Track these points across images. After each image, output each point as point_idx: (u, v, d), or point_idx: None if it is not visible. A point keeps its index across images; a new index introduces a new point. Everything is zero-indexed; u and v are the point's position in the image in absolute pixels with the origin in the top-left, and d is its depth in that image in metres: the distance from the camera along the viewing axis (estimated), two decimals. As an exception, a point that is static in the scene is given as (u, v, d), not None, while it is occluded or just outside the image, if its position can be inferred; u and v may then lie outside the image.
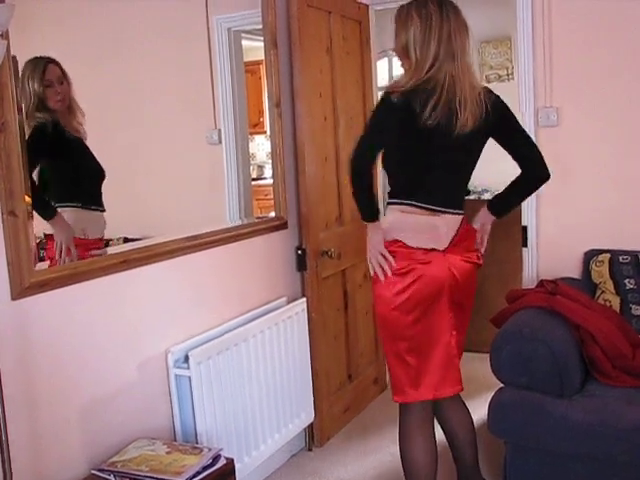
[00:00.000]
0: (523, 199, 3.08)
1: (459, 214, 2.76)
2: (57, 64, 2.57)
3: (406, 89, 2.53)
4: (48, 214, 2.55)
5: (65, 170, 2.69)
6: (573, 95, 3.83)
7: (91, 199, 2.74)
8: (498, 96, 2.72)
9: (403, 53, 2.63)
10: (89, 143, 2.70)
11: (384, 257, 2.68)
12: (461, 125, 2.55)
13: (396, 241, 2.69)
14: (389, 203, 2.76)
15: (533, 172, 2.77)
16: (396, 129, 2.61)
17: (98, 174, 2.71)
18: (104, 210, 2.76)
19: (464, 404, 3.00)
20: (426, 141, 2.59)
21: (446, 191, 2.72)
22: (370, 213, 2.79)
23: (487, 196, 5.79)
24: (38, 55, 2.50)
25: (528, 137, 2.84)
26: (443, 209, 2.69)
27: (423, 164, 2.66)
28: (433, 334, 2.72)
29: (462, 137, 2.59)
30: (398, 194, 2.73)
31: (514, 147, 2.75)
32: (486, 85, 2.74)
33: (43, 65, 2.53)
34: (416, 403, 2.80)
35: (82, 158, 2.71)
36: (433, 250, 2.67)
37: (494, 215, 2.86)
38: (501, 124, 2.70)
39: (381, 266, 2.68)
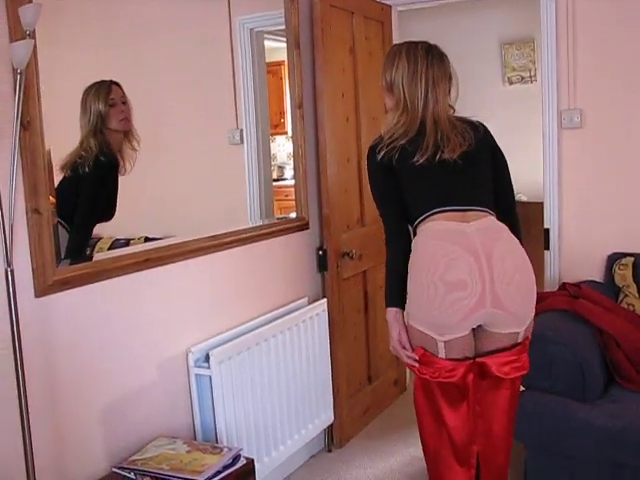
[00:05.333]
0: None
1: (488, 213, 2.56)
2: (119, 86, 2.65)
3: (394, 138, 2.57)
4: None
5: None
6: (597, 97, 3.80)
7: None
8: (489, 130, 2.72)
9: (388, 89, 2.68)
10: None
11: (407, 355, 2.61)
12: (449, 151, 2.54)
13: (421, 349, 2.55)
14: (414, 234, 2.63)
15: (510, 226, 2.64)
16: (390, 176, 2.60)
17: (109, 212, 2.69)
18: None
19: None
20: (422, 168, 2.55)
21: (464, 190, 2.58)
22: (395, 296, 2.60)
23: (524, 199, 5.77)
24: (100, 79, 2.61)
25: (512, 188, 2.76)
26: (467, 207, 2.53)
27: (428, 181, 2.57)
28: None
29: (457, 160, 2.55)
30: (416, 215, 2.59)
31: (497, 192, 2.67)
32: (478, 120, 2.72)
33: (107, 86, 2.62)
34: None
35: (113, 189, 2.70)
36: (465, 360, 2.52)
37: None
38: (493, 157, 2.68)
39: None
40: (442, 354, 2.50)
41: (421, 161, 2.53)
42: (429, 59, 2.62)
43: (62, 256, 2.42)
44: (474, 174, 2.61)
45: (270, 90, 3.68)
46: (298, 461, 3.65)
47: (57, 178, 2.44)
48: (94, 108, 2.58)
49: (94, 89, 2.58)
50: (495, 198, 2.66)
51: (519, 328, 2.51)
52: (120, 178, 2.74)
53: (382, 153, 2.58)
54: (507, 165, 2.74)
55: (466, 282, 2.39)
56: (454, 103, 2.69)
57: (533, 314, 2.56)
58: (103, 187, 2.68)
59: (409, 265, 2.54)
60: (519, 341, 2.54)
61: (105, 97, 2.61)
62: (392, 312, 2.62)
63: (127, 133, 2.73)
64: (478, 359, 2.52)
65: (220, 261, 3.10)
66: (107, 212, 2.67)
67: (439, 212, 2.52)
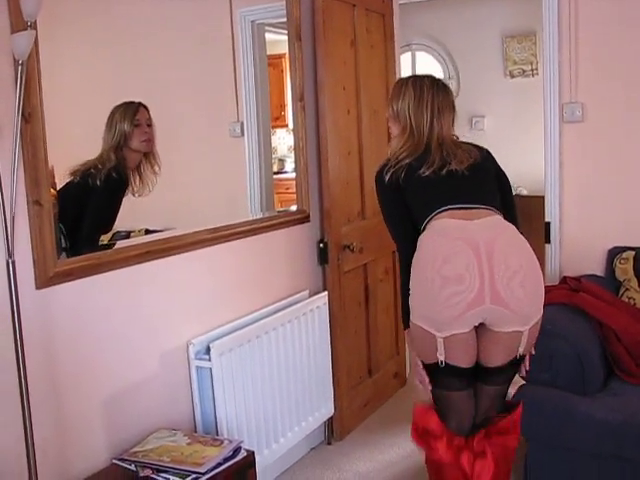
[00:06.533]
0: None
1: (493, 211, 2.56)
2: (146, 108, 2.74)
3: (400, 158, 2.64)
4: None
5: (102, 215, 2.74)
6: (599, 91, 3.79)
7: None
8: (492, 156, 2.78)
9: (395, 118, 2.75)
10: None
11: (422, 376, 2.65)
12: (456, 164, 2.60)
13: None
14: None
15: None
16: (398, 195, 2.65)
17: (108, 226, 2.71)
18: None
19: None
20: (428, 179, 2.59)
21: (470, 192, 2.60)
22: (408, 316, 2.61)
23: (525, 193, 5.80)
24: (129, 100, 2.71)
25: (515, 209, 2.81)
26: (473, 205, 2.54)
27: (435, 189, 2.60)
28: None
29: (464, 172, 2.60)
30: (422, 218, 2.60)
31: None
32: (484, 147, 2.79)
33: (135, 107, 2.71)
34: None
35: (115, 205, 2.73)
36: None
37: None
38: (497, 178, 2.74)
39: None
40: (442, 356, 2.49)
41: (427, 173, 2.59)
42: (435, 89, 2.71)
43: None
44: (481, 180, 2.66)
45: (271, 83, 3.67)
46: (298, 453, 3.65)
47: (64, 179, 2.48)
48: (119, 126, 2.66)
49: (122, 108, 2.67)
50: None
51: (522, 327, 2.48)
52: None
53: (389, 174, 2.64)
54: (511, 189, 2.82)
55: (463, 276, 2.37)
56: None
57: (540, 315, 2.54)
58: (112, 202, 2.71)
59: (413, 261, 2.55)
60: (521, 352, 2.54)
61: (131, 117, 2.70)
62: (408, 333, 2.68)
63: (147, 155, 2.80)
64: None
65: (221, 254, 3.10)
66: (108, 226, 2.69)
67: (445, 210, 2.53)
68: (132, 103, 2.71)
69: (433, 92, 2.70)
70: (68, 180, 2.50)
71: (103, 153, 2.64)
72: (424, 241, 2.53)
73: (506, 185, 2.79)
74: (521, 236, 2.56)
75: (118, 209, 2.71)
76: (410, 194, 2.63)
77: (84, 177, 2.57)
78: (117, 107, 2.67)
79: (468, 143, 2.76)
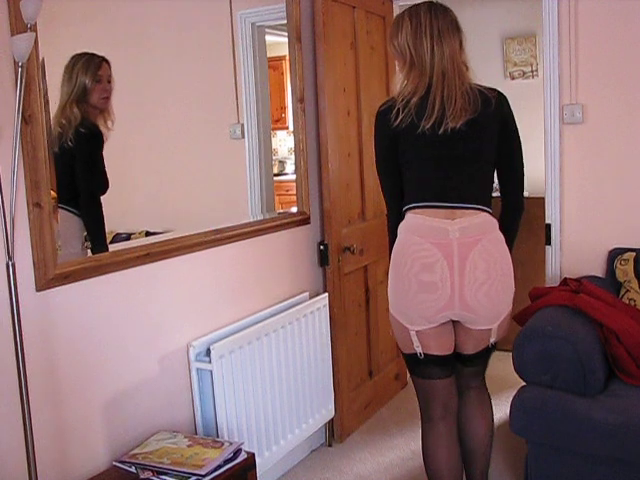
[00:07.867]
0: (514, 238, 2.81)
1: (479, 210, 2.57)
2: (109, 64, 2.64)
3: (406, 99, 2.58)
4: None
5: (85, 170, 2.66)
6: (599, 92, 3.78)
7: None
8: (505, 99, 2.69)
9: (399, 53, 2.68)
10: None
11: None
12: (453, 118, 2.52)
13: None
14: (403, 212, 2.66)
15: (515, 205, 2.78)
16: (395, 144, 2.63)
17: (105, 183, 2.66)
18: None
19: (488, 415, 2.93)
20: (425, 141, 2.56)
21: (458, 186, 2.58)
22: None
23: (525, 194, 5.78)
24: (91, 52, 2.58)
25: (522, 165, 2.76)
26: (458, 205, 2.55)
27: (427, 162, 2.60)
28: None
29: (461, 129, 2.54)
30: (408, 199, 2.63)
31: (504, 168, 2.71)
32: (495, 88, 2.70)
33: (99, 61, 2.61)
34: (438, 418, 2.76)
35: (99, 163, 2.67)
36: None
37: None
38: (502, 131, 2.65)
39: None
40: (419, 348, 2.63)
41: (427, 127, 2.53)
42: (432, 12, 2.62)
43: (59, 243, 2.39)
44: (474, 149, 2.60)
45: (271, 85, 3.67)
46: (299, 455, 3.65)
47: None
48: (80, 80, 2.54)
49: (84, 60, 2.55)
50: (500, 176, 2.73)
51: (491, 325, 2.67)
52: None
53: (398, 119, 2.57)
54: (518, 138, 2.71)
55: (437, 285, 2.52)
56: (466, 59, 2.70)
57: (509, 309, 2.71)
58: (95, 157, 2.64)
59: (392, 253, 2.64)
60: (493, 342, 2.73)
61: (94, 72, 2.59)
62: None
63: (103, 111, 2.68)
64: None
65: (221, 255, 3.10)
66: (104, 183, 2.64)
67: (428, 207, 2.57)
68: (95, 56, 2.59)
69: (430, 16, 2.59)
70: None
71: (65, 107, 2.51)
72: (403, 238, 2.60)
73: (513, 143, 2.70)
74: (497, 239, 2.59)
75: (103, 162, 2.64)
76: (405, 154, 2.62)
77: (60, 144, 2.48)
78: (78, 57, 2.54)
79: (478, 85, 2.64)
